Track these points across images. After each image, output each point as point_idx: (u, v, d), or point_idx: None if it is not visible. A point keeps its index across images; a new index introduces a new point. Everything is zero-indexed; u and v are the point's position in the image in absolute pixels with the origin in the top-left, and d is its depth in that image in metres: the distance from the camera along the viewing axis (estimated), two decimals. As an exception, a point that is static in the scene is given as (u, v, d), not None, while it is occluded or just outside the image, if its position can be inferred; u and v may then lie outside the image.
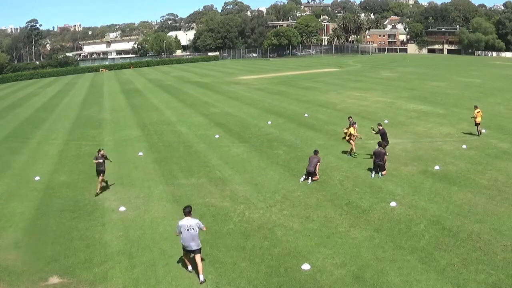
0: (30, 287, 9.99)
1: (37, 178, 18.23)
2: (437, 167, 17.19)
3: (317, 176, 16.29)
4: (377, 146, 17.02)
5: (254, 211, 13.72)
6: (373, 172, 16.70)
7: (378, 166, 16.63)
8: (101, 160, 15.99)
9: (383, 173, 16.56)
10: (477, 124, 22.60)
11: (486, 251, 10.63)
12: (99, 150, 16.36)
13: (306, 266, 10.24)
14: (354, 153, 19.42)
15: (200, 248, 10.04)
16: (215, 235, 12.14)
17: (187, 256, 10.27)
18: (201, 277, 9.85)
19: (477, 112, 22.36)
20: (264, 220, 13.04)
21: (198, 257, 9.94)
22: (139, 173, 18.40)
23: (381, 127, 19.06)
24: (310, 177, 16.16)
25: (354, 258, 10.59)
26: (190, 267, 10.31)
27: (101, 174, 15.96)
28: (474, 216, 12.67)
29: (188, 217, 10.04)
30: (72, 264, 10.90)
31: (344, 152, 19.84)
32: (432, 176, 16.34)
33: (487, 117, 27.19)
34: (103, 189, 16.21)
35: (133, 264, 10.79)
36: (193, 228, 9.90)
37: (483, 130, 23.33)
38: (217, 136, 24.61)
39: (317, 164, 16.18)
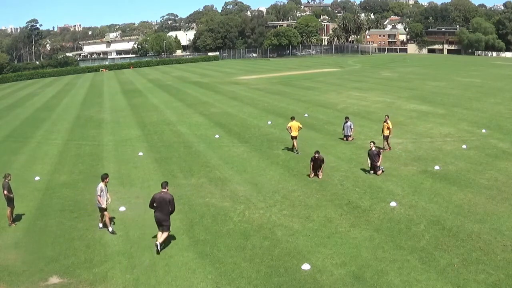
0: (30, 287, 10.00)
1: (37, 178, 18.23)
2: (437, 167, 17.19)
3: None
4: (372, 148, 16.97)
5: (254, 211, 13.73)
6: (371, 171, 16.77)
7: (375, 167, 16.71)
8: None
9: (382, 168, 16.71)
10: (385, 137, 19.80)
11: (486, 251, 10.63)
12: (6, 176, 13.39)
13: (306, 266, 10.24)
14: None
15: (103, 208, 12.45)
16: (215, 235, 12.15)
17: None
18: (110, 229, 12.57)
19: (385, 123, 19.67)
20: (264, 220, 13.04)
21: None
22: (139, 173, 18.40)
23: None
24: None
25: (354, 258, 10.59)
26: (100, 225, 12.82)
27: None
28: (474, 216, 12.67)
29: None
30: (72, 264, 10.90)
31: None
32: (432, 176, 16.34)
33: (487, 117, 27.24)
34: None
35: (133, 264, 10.78)
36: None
37: (483, 130, 23.32)
38: (217, 136, 24.61)
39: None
